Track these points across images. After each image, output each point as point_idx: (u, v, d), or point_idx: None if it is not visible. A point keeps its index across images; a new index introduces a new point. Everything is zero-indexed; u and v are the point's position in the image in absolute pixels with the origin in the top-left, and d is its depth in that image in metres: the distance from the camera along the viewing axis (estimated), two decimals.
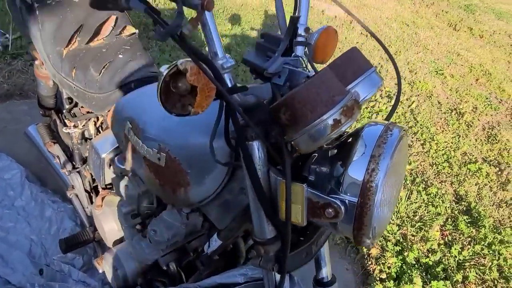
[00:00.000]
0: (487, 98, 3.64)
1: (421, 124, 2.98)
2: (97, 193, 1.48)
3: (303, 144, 0.60)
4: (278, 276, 0.77)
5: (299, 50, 0.78)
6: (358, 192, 0.60)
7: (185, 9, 0.56)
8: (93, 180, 1.44)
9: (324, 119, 0.56)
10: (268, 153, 0.67)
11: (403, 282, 1.73)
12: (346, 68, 0.70)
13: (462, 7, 5.86)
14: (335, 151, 0.67)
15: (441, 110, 3.29)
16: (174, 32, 0.54)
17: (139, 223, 1.07)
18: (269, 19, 4.08)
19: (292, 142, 0.61)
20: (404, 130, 0.65)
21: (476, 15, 5.70)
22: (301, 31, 0.78)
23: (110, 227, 1.23)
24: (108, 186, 1.31)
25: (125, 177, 1.09)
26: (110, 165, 1.21)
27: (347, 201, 0.61)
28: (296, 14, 0.76)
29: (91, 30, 1.33)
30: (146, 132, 0.88)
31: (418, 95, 3.39)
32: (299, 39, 0.77)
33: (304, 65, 0.76)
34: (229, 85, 0.64)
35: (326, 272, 0.96)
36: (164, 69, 0.60)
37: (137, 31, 1.44)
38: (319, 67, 0.78)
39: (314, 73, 0.75)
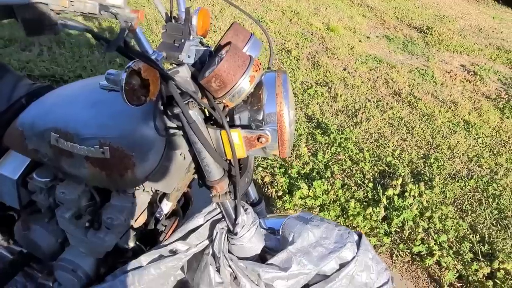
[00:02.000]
0: (302, 34, 4.38)
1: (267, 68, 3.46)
2: (8, 220, 1.42)
3: (232, 99, 0.84)
4: (232, 204, 1.02)
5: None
6: (275, 120, 0.88)
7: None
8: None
9: (244, 78, 0.81)
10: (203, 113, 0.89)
11: (294, 192, 2.19)
12: (237, 39, 0.95)
13: None
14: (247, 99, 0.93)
15: (274, 52, 3.84)
16: (120, 43, 0.69)
17: (87, 221, 1.15)
18: None
19: (224, 101, 0.85)
20: (286, 72, 0.95)
21: None
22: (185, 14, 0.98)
23: (48, 241, 1.26)
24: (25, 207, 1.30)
25: (55, 186, 1.13)
26: (26, 185, 1.21)
27: (270, 129, 0.89)
28: (184, 8, 0.96)
29: None
30: (82, 135, 0.97)
31: None
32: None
33: (203, 43, 0.97)
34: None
35: (254, 195, 1.27)
36: (114, 74, 0.75)
37: None
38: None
39: (211, 47, 0.97)
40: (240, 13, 4.39)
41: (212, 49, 0.96)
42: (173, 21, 1.03)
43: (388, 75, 3.97)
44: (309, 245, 1.06)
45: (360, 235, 1.18)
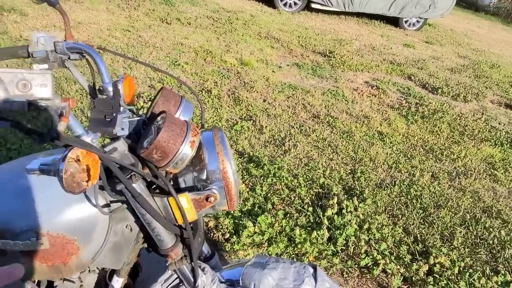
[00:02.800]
0: (219, 72, 4.51)
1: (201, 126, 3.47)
2: None
3: (176, 166, 0.84)
4: (189, 267, 1.01)
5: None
6: (220, 178, 0.90)
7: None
8: None
9: (185, 145, 0.83)
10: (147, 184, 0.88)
11: (240, 231, 2.20)
12: (168, 104, 0.96)
13: (163, 2, 6.65)
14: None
15: (204, 109, 3.87)
16: (53, 134, 0.67)
17: None
18: None
19: (167, 169, 0.85)
20: (221, 129, 0.98)
21: (176, 7, 6.61)
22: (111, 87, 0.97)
23: None
24: None
25: None
26: None
27: (217, 187, 0.91)
28: (108, 80, 0.95)
29: None
30: (14, 229, 0.88)
31: (172, 88, 3.87)
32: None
33: (134, 112, 0.97)
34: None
35: (206, 249, 1.26)
36: (49, 164, 0.71)
37: None
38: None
39: (143, 116, 0.98)
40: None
41: (145, 118, 0.97)
42: (98, 94, 1.02)
43: (304, 100, 4.24)
44: None
45: (314, 267, 1.23)
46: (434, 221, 2.63)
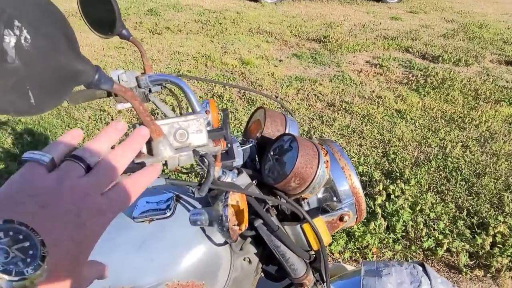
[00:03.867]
0: (223, 75, 4.42)
1: None
2: None
3: (313, 191, 0.79)
4: None
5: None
6: (350, 194, 0.85)
7: None
8: None
9: (321, 167, 0.77)
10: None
11: None
12: (276, 125, 0.90)
13: (147, 13, 6.51)
14: None
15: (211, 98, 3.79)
16: (209, 185, 0.61)
17: None
18: None
19: (303, 195, 0.79)
20: (333, 140, 0.93)
21: (162, 15, 6.48)
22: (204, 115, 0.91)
23: None
24: None
25: None
26: None
27: (348, 204, 0.85)
28: (200, 108, 0.88)
29: None
30: (143, 286, 0.82)
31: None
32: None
33: (240, 138, 0.90)
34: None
35: None
36: (201, 213, 0.65)
37: None
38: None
39: (251, 142, 0.91)
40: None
41: (255, 143, 0.90)
42: None
43: (314, 90, 4.18)
44: None
45: (422, 265, 1.18)
46: (479, 190, 2.61)
